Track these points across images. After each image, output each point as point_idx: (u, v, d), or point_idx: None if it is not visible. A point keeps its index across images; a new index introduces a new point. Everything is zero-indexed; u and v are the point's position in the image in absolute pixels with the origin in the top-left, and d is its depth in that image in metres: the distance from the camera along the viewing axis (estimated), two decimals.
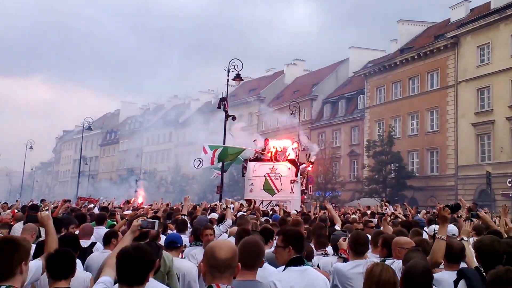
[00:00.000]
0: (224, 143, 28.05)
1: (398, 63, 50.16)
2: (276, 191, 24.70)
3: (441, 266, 5.56)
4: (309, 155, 28.97)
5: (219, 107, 29.93)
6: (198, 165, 32.68)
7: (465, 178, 42.44)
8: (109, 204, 20.07)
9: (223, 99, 29.63)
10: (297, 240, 4.85)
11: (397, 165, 45.52)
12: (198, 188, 71.88)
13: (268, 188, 24.87)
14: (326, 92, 62.68)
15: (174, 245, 6.58)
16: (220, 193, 29.69)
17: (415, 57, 48.10)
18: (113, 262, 3.96)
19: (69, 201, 13.73)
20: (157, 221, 5.01)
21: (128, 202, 20.75)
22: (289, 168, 25.50)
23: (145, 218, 5.07)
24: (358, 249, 5.91)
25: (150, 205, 20.76)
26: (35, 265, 4.53)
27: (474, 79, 42.29)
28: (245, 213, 12.54)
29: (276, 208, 19.15)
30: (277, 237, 5.34)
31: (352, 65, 61.55)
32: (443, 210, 5.53)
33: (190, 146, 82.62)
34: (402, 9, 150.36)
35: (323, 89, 62.94)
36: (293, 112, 39.80)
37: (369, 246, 6.40)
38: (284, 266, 4.81)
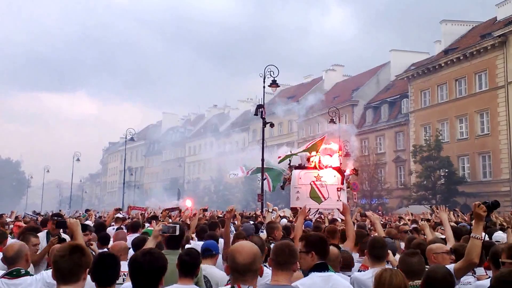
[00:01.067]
0: (262, 150, 27.37)
1: (443, 64, 46.83)
2: (323, 199, 24.07)
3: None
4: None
5: (256, 114, 28.70)
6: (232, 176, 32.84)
7: None
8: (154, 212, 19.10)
9: (260, 106, 28.20)
10: (320, 245, 4.59)
11: (446, 170, 42.29)
12: (241, 196, 70.16)
13: (314, 196, 24.19)
14: (367, 97, 59.58)
15: (209, 253, 6.15)
16: (261, 201, 28.48)
17: (461, 57, 44.75)
18: None
19: (120, 209, 14.21)
20: (178, 225, 5.04)
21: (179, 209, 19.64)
22: (334, 176, 24.91)
23: (166, 223, 5.23)
24: (375, 254, 5.50)
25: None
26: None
27: None
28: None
29: (315, 217, 18.47)
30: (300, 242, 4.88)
31: (394, 68, 58.25)
32: (478, 207, 4.93)
33: (231, 155, 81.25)
34: (444, 9, 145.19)
35: (364, 94, 59.87)
36: (333, 118, 37.74)
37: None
38: (307, 272, 4.51)
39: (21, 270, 5.07)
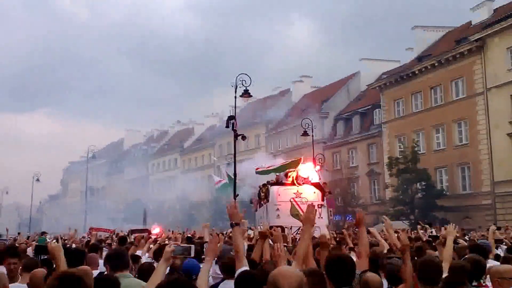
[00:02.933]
0: (234, 164, 26.55)
1: (416, 72, 44.85)
2: None
3: None
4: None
5: (227, 126, 27.07)
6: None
7: (504, 195, 36.94)
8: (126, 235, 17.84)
9: (231, 117, 26.57)
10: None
11: (424, 183, 40.09)
12: (208, 215, 67.45)
13: (295, 213, 22.94)
14: (338, 108, 57.36)
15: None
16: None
17: (436, 64, 42.83)
18: None
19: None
20: (193, 246, 4.67)
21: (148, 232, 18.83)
22: (314, 192, 24.36)
23: (178, 243, 5.22)
24: (430, 279, 4.85)
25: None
26: None
27: (506, 84, 36.95)
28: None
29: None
30: None
31: (364, 78, 56.25)
32: None
33: (197, 172, 78.63)
34: (414, 17, 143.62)
35: (334, 105, 57.66)
36: (306, 130, 35.76)
37: None
38: None
39: None
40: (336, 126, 55.81)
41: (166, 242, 11.07)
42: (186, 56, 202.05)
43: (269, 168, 26.84)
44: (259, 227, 27.10)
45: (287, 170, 25.22)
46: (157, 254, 9.06)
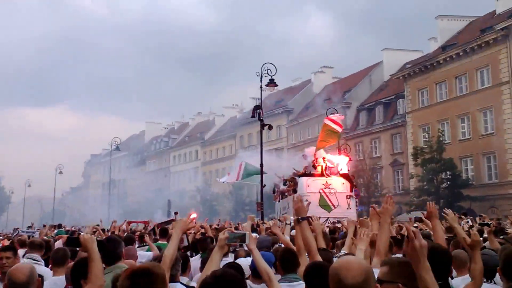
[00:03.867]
0: (261, 154, 26.86)
1: (441, 61, 44.47)
2: (332, 207, 23.65)
3: None
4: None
5: (253, 116, 28.39)
6: (223, 180, 33.34)
7: None
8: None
9: (257, 107, 27.84)
10: None
11: (450, 173, 39.78)
12: (230, 207, 67.61)
13: (324, 204, 23.69)
14: (360, 98, 57.05)
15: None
16: (261, 210, 27.59)
17: (461, 53, 42.44)
18: None
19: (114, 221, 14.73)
20: (247, 233, 4.32)
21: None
22: (343, 183, 24.75)
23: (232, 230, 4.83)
24: None
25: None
26: None
27: None
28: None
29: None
30: None
31: (387, 68, 55.86)
32: None
33: (217, 163, 78.80)
34: (436, 5, 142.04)
35: (357, 95, 57.37)
36: None
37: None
38: None
39: None
40: (358, 116, 55.58)
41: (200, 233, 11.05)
42: (204, 50, 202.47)
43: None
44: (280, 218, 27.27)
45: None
46: (195, 243, 9.10)
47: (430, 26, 73.88)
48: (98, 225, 17.00)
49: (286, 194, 29.56)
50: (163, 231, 11.67)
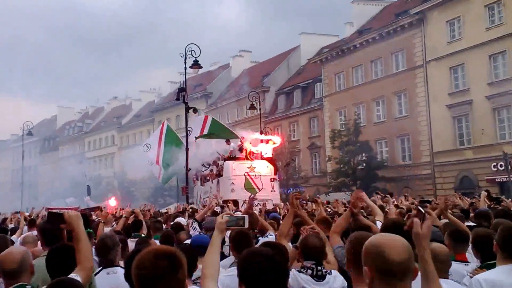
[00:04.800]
0: (186, 138, 26.77)
1: (357, 45, 45.20)
2: (257, 190, 23.75)
3: None
4: None
5: (177, 99, 28.62)
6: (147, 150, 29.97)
7: (443, 165, 37.97)
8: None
9: (181, 90, 27.62)
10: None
11: (366, 155, 40.69)
12: (148, 192, 66.50)
13: (249, 187, 23.92)
14: (279, 83, 57.20)
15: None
16: (186, 194, 27.83)
17: (377, 37, 43.25)
18: (213, 273, 3.51)
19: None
20: (246, 217, 4.18)
21: (100, 209, 17.56)
22: (267, 167, 25.19)
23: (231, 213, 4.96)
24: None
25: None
26: None
27: (446, 57, 37.75)
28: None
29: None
30: None
31: (304, 52, 56.36)
32: None
33: (135, 148, 77.12)
34: None
35: (275, 80, 57.44)
36: (254, 103, 35.95)
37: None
38: None
39: (27, 287, 3.92)
40: (277, 100, 55.70)
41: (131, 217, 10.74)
42: (115, 32, 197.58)
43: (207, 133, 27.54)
44: (204, 201, 26.83)
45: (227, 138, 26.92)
46: (129, 228, 8.89)
47: (345, 10, 75.26)
48: (17, 212, 16.42)
49: (208, 178, 29.42)
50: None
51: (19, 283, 3.87)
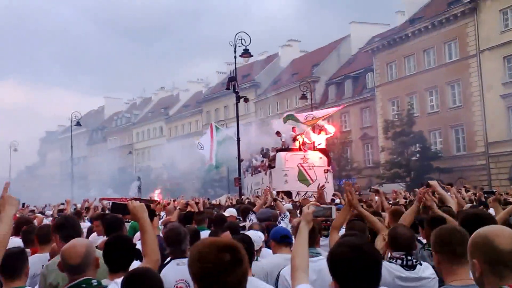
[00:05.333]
0: (237, 128, 27.86)
1: (409, 35, 46.12)
2: (311, 182, 24.15)
3: None
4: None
5: (227, 88, 29.02)
6: (200, 148, 32.70)
7: (497, 156, 38.87)
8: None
9: (232, 79, 28.07)
10: None
11: (420, 145, 41.75)
12: (198, 184, 68.54)
13: (302, 178, 24.56)
14: (329, 72, 58.41)
15: (289, 240, 5.65)
16: (239, 186, 28.77)
17: (429, 27, 44.13)
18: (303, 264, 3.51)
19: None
20: (333, 207, 4.24)
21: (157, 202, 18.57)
22: (320, 158, 25.67)
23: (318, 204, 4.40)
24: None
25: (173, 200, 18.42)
26: None
27: (499, 46, 38.52)
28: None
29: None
30: None
31: (355, 42, 57.40)
32: None
33: (183, 139, 79.35)
34: None
35: (325, 69, 58.65)
36: (305, 93, 37.19)
37: None
38: None
39: (93, 281, 3.78)
40: (327, 90, 56.94)
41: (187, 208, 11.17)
42: (160, 23, 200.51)
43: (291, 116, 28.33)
44: (255, 192, 28.01)
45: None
46: (183, 221, 8.75)
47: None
48: (63, 204, 16.96)
49: (259, 169, 30.63)
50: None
51: (83, 278, 3.78)
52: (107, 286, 3.81)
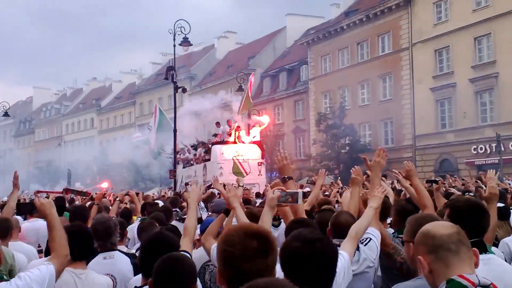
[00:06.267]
0: (175, 119, 28.27)
1: (344, 27, 46.93)
2: (245, 174, 24.68)
3: None
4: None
5: (166, 78, 29.10)
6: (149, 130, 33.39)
7: (424, 148, 40.07)
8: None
9: (170, 68, 28.09)
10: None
11: (351, 138, 42.54)
12: (130, 177, 67.83)
13: (237, 171, 25.02)
14: (264, 65, 58.82)
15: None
16: (173, 178, 28.88)
17: (364, 19, 45.00)
18: None
19: None
20: (300, 191, 4.20)
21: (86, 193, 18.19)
22: (254, 150, 26.57)
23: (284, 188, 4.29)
24: None
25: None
26: (45, 272, 3.50)
27: (431, 39, 39.60)
28: None
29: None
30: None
31: (290, 34, 58.10)
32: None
33: (115, 131, 78.50)
34: None
35: (261, 62, 59.02)
36: (242, 85, 37.42)
37: None
38: None
39: None
40: (262, 83, 57.41)
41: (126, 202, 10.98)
42: (92, 12, 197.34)
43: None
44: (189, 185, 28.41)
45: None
46: (124, 214, 8.62)
47: None
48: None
49: (191, 162, 31.16)
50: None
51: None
52: (9, 280, 3.69)
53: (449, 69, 38.57)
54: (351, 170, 5.73)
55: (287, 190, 4.10)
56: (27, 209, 4.25)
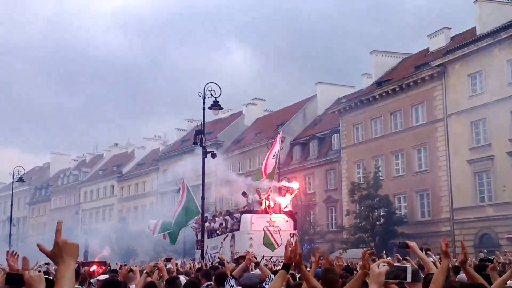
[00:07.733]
0: (203, 184, 28.04)
1: (377, 97, 49.06)
2: (276, 246, 24.77)
3: None
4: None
5: (195, 143, 29.29)
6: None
7: (462, 222, 41.16)
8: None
9: (199, 132, 28.27)
10: None
11: (386, 209, 43.82)
12: (149, 247, 68.84)
13: (268, 242, 25.12)
14: (294, 133, 61.09)
15: None
16: (201, 249, 28.50)
17: (397, 89, 47.12)
18: None
19: None
20: (409, 266, 3.89)
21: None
22: (287, 221, 26.41)
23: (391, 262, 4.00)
24: None
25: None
26: None
27: (467, 111, 41.42)
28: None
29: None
30: None
31: (321, 102, 60.47)
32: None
33: (136, 199, 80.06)
34: (367, 42, 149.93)
35: (290, 129, 61.22)
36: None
37: None
38: None
39: None
40: (292, 151, 59.35)
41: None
42: (116, 79, 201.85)
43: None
44: (212, 257, 28.28)
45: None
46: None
47: (361, 62, 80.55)
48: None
49: (217, 232, 31.26)
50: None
51: None
52: None
53: (486, 141, 40.16)
54: (440, 241, 5.74)
55: (395, 264, 3.87)
56: (15, 280, 3.88)
